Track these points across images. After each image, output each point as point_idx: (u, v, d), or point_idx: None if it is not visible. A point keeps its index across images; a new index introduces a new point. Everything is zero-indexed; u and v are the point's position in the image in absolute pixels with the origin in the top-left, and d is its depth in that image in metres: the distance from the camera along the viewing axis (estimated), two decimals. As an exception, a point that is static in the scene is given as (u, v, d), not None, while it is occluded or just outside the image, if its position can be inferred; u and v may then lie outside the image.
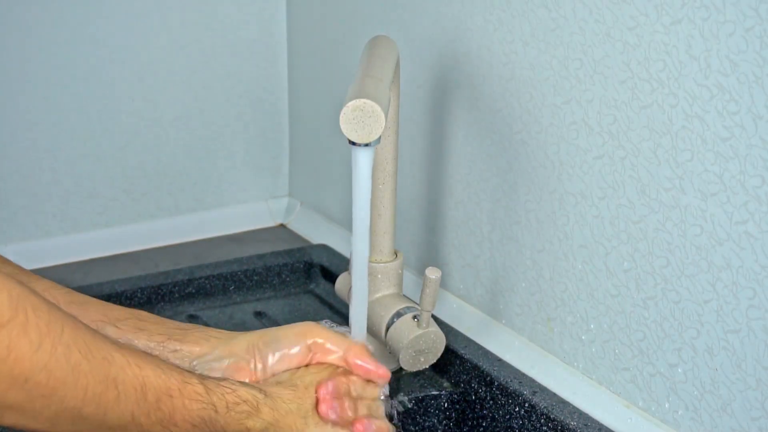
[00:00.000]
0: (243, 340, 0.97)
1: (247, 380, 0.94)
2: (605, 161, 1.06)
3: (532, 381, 1.13)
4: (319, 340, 0.97)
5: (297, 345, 0.97)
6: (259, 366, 0.96)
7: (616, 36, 1.03)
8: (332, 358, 0.97)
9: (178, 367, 0.86)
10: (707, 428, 1.00)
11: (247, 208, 1.57)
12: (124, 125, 1.47)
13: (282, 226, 1.57)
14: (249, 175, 1.56)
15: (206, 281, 1.37)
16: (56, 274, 1.36)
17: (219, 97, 1.51)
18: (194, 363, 0.96)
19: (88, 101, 1.44)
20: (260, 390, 0.89)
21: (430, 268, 1.09)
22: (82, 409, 0.77)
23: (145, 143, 1.48)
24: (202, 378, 0.87)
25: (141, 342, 0.96)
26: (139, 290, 1.33)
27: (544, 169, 1.13)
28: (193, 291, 1.37)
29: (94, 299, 0.99)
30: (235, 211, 1.56)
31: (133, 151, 1.48)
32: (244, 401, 0.87)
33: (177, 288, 1.36)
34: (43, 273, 1.24)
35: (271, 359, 0.96)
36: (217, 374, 0.95)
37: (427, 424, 1.17)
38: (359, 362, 0.97)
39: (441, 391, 1.18)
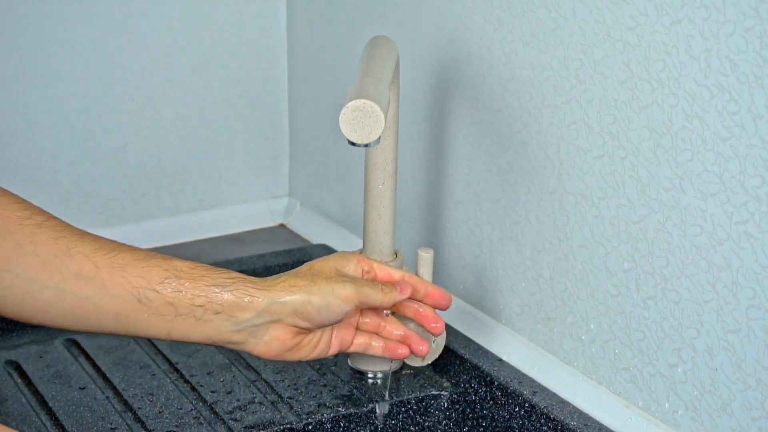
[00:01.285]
0: (288, 304, 1.01)
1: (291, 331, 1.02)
2: (605, 161, 1.06)
3: (532, 381, 1.13)
4: (366, 299, 1.04)
5: (347, 309, 1.03)
6: (306, 324, 1.02)
7: (616, 36, 1.03)
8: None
9: None
10: (707, 428, 1.00)
11: (247, 208, 1.57)
12: (124, 125, 1.47)
13: (282, 226, 1.57)
14: (249, 175, 1.56)
15: (206, 281, 1.37)
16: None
17: (219, 97, 1.51)
18: (238, 326, 1.00)
19: (88, 101, 1.44)
20: None
21: (422, 247, 1.10)
22: None
23: (145, 143, 1.48)
24: None
25: (183, 305, 0.99)
26: (139, 290, 1.33)
27: (544, 169, 1.13)
28: (193, 291, 1.37)
29: (134, 258, 1.00)
30: (235, 211, 1.56)
31: (133, 151, 1.48)
32: None
33: (177, 288, 1.36)
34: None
35: (320, 321, 1.03)
36: (262, 332, 1.01)
37: (427, 424, 1.17)
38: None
39: (441, 391, 1.18)
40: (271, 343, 1.02)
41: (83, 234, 1.01)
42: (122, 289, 0.98)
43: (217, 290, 1.00)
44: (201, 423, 1.10)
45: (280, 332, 1.02)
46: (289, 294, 1.01)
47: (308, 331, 1.04)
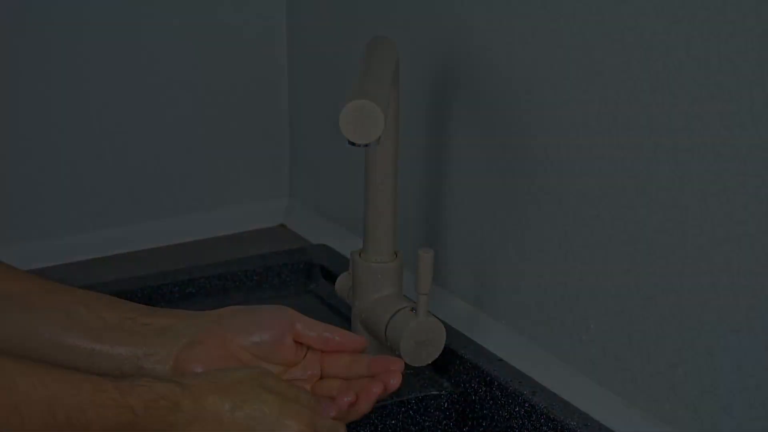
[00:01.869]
0: (214, 314, 0.98)
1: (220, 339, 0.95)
2: (605, 161, 1.06)
3: (532, 381, 1.13)
4: (297, 324, 0.97)
5: (275, 311, 0.98)
6: (232, 336, 0.96)
7: (616, 36, 1.03)
8: (308, 338, 0.97)
9: (90, 375, 0.83)
10: (707, 428, 1.00)
11: (247, 208, 1.56)
12: (124, 125, 1.47)
13: (282, 226, 1.57)
14: (249, 175, 1.56)
15: (206, 281, 1.37)
16: (57, 274, 1.36)
17: (219, 97, 1.51)
18: (166, 333, 0.96)
19: (88, 101, 1.44)
20: (177, 383, 0.86)
21: (422, 247, 1.09)
22: None
23: (145, 143, 1.48)
24: (117, 382, 0.84)
25: (113, 318, 0.96)
26: (139, 290, 1.33)
27: (544, 169, 1.13)
28: (193, 291, 1.37)
29: (67, 288, 0.98)
30: (235, 211, 1.56)
31: (133, 151, 1.48)
32: (162, 397, 0.84)
33: (177, 288, 1.36)
34: (43, 273, 1.25)
35: (244, 333, 0.96)
36: (185, 341, 0.95)
37: (427, 424, 1.17)
38: (337, 338, 0.97)
39: (441, 391, 1.18)
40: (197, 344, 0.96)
41: (13, 267, 0.99)
42: (50, 306, 0.95)
43: (149, 308, 0.98)
44: (201, 423, 1.10)
45: (206, 335, 0.96)
46: (215, 312, 0.99)
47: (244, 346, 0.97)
